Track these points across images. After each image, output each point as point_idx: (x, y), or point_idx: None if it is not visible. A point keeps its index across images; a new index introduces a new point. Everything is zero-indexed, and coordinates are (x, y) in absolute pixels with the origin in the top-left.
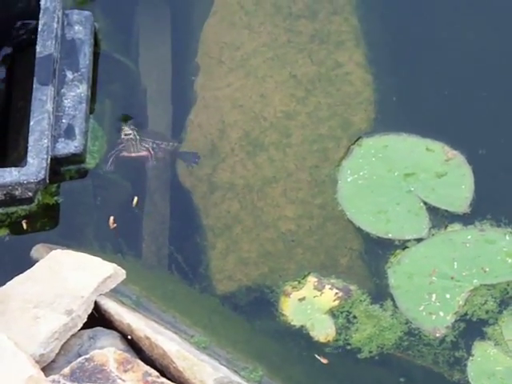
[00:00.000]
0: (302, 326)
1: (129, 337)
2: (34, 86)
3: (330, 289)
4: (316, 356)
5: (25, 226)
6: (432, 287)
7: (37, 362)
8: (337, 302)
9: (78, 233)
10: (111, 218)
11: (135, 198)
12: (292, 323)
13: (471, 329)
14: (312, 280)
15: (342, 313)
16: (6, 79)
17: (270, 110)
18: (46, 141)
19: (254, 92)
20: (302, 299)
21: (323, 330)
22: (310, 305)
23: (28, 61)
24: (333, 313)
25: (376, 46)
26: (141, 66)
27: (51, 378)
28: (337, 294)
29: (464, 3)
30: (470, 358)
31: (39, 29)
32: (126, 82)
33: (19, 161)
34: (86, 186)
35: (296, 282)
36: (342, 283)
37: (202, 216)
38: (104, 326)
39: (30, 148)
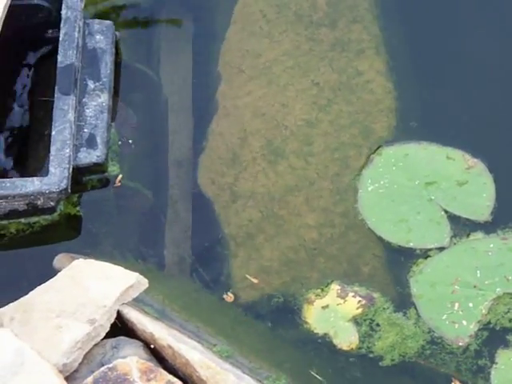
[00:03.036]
0: (325, 334)
1: (151, 346)
2: (56, 95)
3: (353, 296)
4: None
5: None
6: (455, 296)
7: (60, 371)
8: (360, 310)
9: (100, 242)
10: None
11: (119, 177)
12: (315, 331)
13: (494, 337)
14: (335, 288)
15: (365, 320)
16: (27, 89)
17: (292, 119)
18: (67, 150)
19: (276, 100)
20: (325, 307)
21: (346, 338)
22: (334, 312)
23: (49, 71)
24: (356, 320)
25: (397, 53)
26: (162, 75)
27: None
28: (360, 301)
29: (487, 11)
30: (494, 366)
31: (60, 38)
32: (147, 92)
33: (39, 170)
34: (108, 195)
35: (319, 290)
36: (366, 291)
37: (223, 225)
38: (127, 336)
39: (51, 158)
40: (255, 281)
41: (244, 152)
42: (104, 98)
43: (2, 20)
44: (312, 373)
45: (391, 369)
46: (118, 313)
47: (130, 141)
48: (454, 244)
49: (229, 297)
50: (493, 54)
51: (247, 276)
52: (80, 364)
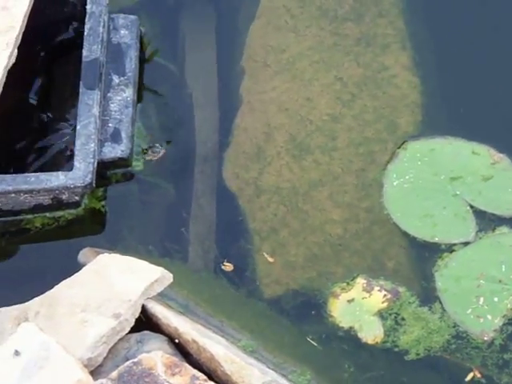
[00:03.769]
0: (351, 328)
1: (176, 340)
2: (81, 90)
3: (378, 290)
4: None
5: None
6: (480, 290)
7: (85, 365)
8: (385, 304)
9: (124, 237)
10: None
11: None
12: (340, 325)
13: None
14: (361, 281)
15: (390, 314)
16: (48, 83)
17: (316, 113)
18: (92, 145)
19: (300, 95)
20: (350, 301)
21: (371, 332)
22: (359, 306)
23: (72, 65)
24: (381, 314)
25: (422, 48)
26: (186, 70)
27: (99, 381)
28: (385, 295)
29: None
30: None
31: (85, 33)
32: (172, 86)
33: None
34: (132, 189)
35: (345, 284)
36: (391, 285)
37: (248, 219)
38: (151, 330)
39: (76, 152)
40: (271, 259)
41: (268, 147)
42: (129, 93)
43: (27, 15)
44: (308, 339)
45: (416, 363)
46: (143, 307)
47: (157, 144)
48: (480, 239)
49: (227, 266)
50: None
51: (264, 254)
52: (105, 358)
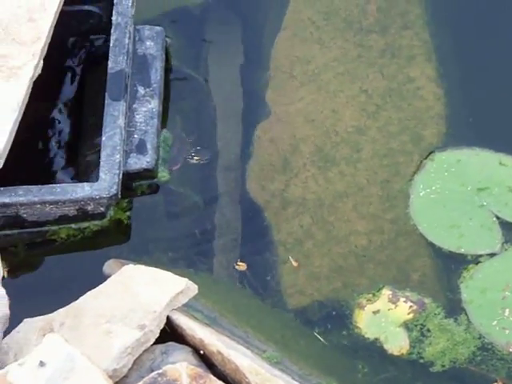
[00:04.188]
0: (376, 339)
1: (201, 352)
2: (106, 101)
3: (404, 302)
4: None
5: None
6: (505, 302)
7: (110, 376)
8: (411, 315)
9: (149, 248)
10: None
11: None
12: (366, 336)
13: None
14: (386, 293)
15: (416, 326)
16: (78, 95)
17: (342, 125)
18: (118, 156)
19: (326, 107)
20: (376, 312)
21: (397, 343)
22: (384, 317)
23: (99, 76)
24: (407, 326)
25: (447, 60)
26: (211, 81)
27: None
28: (411, 307)
29: None
30: None
31: (111, 44)
32: (197, 98)
33: (89, 176)
34: (158, 200)
35: (370, 295)
36: (417, 296)
37: (273, 231)
38: (176, 341)
39: (102, 163)
40: (295, 264)
41: (294, 158)
42: (154, 104)
43: (53, 26)
44: (315, 333)
45: (442, 375)
46: (168, 318)
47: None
48: (506, 250)
49: (241, 266)
50: None
51: (289, 257)
52: (130, 370)
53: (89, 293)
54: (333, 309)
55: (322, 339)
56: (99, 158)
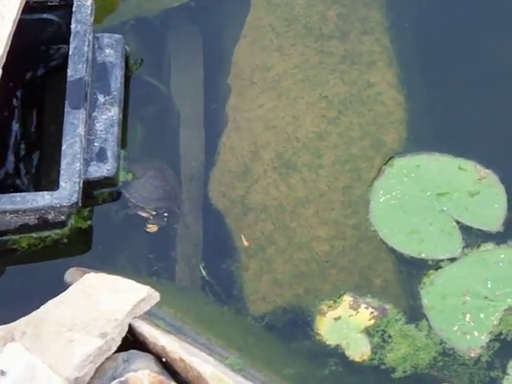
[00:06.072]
0: (338, 346)
1: (163, 359)
2: (66, 109)
3: (365, 308)
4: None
5: None
6: (466, 307)
7: None
8: (372, 322)
9: (111, 256)
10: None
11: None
12: (327, 342)
13: (506, 348)
14: (348, 299)
15: (377, 332)
16: (38, 104)
17: (302, 131)
18: (78, 164)
19: (286, 113)
20: (337, 318)
21: (358, 349)
22: (346, 324)
23: (59, 85)
24: (368, 332)
25: (408, 66)
26: (172, 89)
27: None
28: (372, 313)
29: (498, 23)
30: (506, 377)
31: (70, 52)
32: (158, 105)
33: (52, 185)
34: (119, 208)
35: (331, 302)
36: (378, 302)
37: (235, 238)
38: (138, 349)
39: (62, 172)
40: (246, 244)
41: (255, 165)
42: (114, 112)
43: (11, 35)
44: (200, 267)
45: (403, 380)
46: (130, 326)
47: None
48: (466, 255)
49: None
50: (505, 65)
51: (241, 236)
52: (92, 378)
53: (50, 301)
54: (295, 315)
55: (204, 273)
56: (59, 166)
